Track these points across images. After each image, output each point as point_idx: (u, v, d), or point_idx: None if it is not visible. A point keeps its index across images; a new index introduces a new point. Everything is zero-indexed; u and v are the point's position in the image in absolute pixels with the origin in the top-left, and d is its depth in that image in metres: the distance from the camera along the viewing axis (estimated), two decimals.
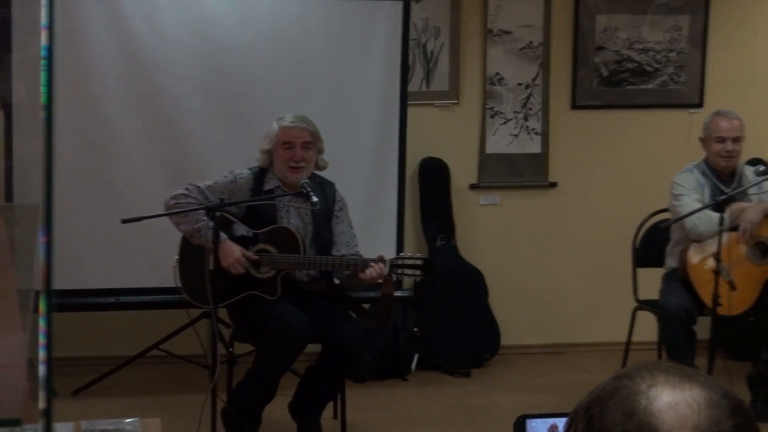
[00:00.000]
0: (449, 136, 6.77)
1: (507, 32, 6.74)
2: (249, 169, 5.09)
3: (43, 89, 1.56)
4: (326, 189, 5.15)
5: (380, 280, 4.90)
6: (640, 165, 6.95)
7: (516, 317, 6.88)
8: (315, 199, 4.83)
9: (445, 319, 6.56)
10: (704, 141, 5.76)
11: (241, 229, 4.98)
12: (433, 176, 6.74)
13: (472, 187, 6.84)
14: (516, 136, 6.81)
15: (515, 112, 6.79)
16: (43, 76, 1.56)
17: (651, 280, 5.91)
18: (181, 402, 5.68)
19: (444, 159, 6.75)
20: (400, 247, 6.01)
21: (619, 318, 6.26)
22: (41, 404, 1.54)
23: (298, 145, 4.99)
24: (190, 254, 5.05)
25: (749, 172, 5.71)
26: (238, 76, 5.92)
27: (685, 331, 5.48)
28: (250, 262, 4.92)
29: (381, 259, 4.85)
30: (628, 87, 6.93)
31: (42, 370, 1.54)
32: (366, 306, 5.41)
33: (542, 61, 6.80)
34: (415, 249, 6.26)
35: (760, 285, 5.56)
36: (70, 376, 5.95)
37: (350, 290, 5.12)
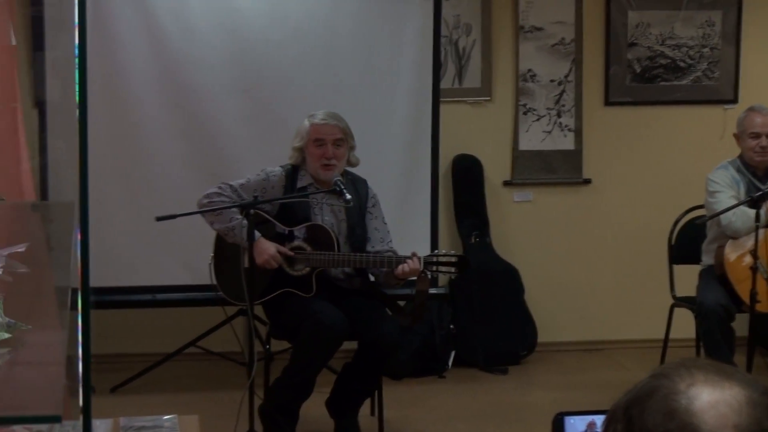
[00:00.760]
0: (482, 133, 6.75)
1: (539, 28, 6.71)
2: (281, 166, 5.09)
3: (76, 87, 1.56)
4: (359, 186, 5.14)
5: (414, 277, 4.88)
6: (675, 161, 6.90)
7: (553, 314, 6.85)
8: (348, 196, 4.82)
9: (481, 316, 6.54)
10: (738, 137, 5.71)
11: (276, 227, 4.99)
12: (467, 173, 6.72)
13: (506, 183, 6.82)
14: (549, 132, 6.78)
15: (548, 108, 6.76)
16: (75, 75, 1.56)
17: (688, 277, 5.87)
18: (219, 399, 5.69)
19: (477, 156, 6.73)
20: (434, 244, 5.99)
21: (656, 315, 6.22)
22: (80, 401, 1.54)
23: (330, 142, 4.98)
24: (225, 252, 5.06)
25: None
26: (269, 74, 5.92)
27: (723, 328, 5.43)
28: (285, 259, 4.92)
29: (415, 256, 4.84)
30: (662, 83, 6.89)
31: (80, 367, 1.54)
32: (401, 303, 5.40)
33: (575, 58, 6.76)
34: (449, 246, 6.25)
35: None
36: (108, 372, 5.98)
37: (385, 287, 5.12)
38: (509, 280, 6.69)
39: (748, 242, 5.32)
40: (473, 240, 6.68)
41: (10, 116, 4.31)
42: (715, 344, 5.41)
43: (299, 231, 4.98)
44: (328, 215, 5.06)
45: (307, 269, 4.94)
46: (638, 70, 6.85)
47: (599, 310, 6.94)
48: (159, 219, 4.81)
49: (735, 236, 5.48)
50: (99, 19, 5.65)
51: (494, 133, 6.76)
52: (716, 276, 5.56)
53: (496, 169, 6.79)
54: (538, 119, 6.76)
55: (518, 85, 6.74)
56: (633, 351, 6.77)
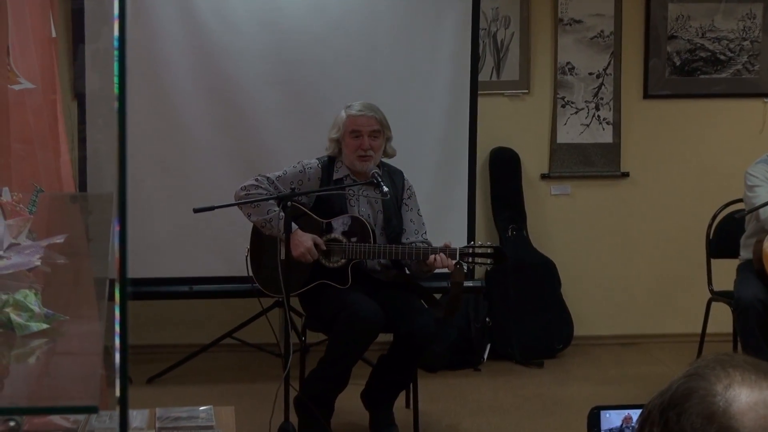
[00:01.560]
0: (520, 125, 6.73)
1: (578, 21, 6.68)
2: (317, 158, 5.10)
3: (115, 80, 1.57)
4: (395, 177, 5.14)
5: (449, 269, 4.87)
6: (714, 155, 6.86)
7: (589, 308, 6.82)
8: (386, 189, 4.82)
9: (517, 309, 6.52)
10: None
11: (312, 219, 4.99)
12: (504, 166, 6.71)
13: (544, 177, 6.80)
14: (587, 125, 6.76)
15: (586, 101, 6.74)
16: (115, 67, 1.56)
17: (726, 271, 5.83)
18: (255, 390, 5.71)
19: (515, 149, 6.71)
20: (470, 237, 5.98)
21: (693, 309, 6.19)
22: (117, 392, 1.55)
23: (366, 133, 4.99)
24: (262, 244, 5.08)
25: None
26: (307, 66, 5.93)
27: (761, 323, 5.39)
28: (321, 252, 4.93)
29: (448, 247, 4.84)
30: (701, 76, 6.84)
31: (117, 357, 1.55)
32: (437, 296, 5.40)
33: (613, 50, 6.73)
34: (485, 239, 6.23)
35: None
36: (145, 363, 6.02)
37: (419, 278, 5.11)
38: (546, 273, 6.67)
39: None
40: (510, 233, 6.67)
41: (50, 108, 4.34)
42: (753, 340, 5.38)
43: (336, 222, 4.99)
44: (364, 207, 5.06)
45: (343, 261, 4.95)
46: (678, 63, 6.81)
47: (636, 304, 6.91)
48: (197, 211, 4.83)
49: None
50: (139, 11, 5.68)
51: (532, 126, 6.75)
52: (754, 271, 5.52)
53: (533, 162, 6.77)
54: (576, 112, 6.74)
55: (556, 78, 6.72)
56: (670, 345, 6.74)
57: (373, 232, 4.96)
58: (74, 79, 6.03)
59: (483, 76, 6.46)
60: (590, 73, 6.72)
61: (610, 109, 6.75)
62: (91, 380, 1.65)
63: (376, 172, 4.92)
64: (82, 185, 5.66)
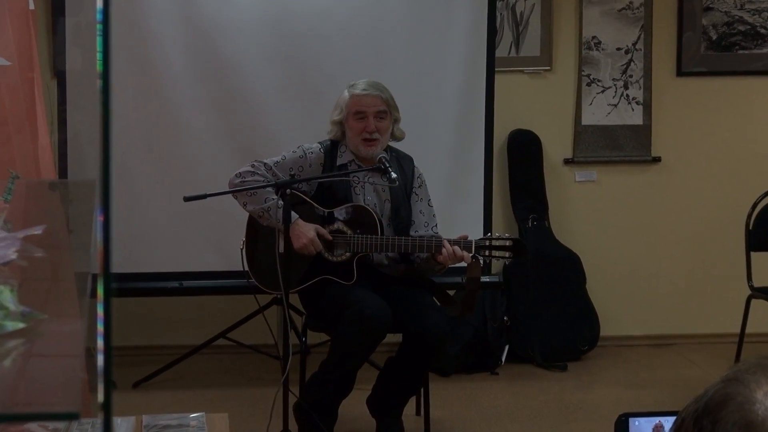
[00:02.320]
0: (541, 106, 6.73)
1: None
2: (319, 142, 5.10)
3: (99, 56, 1.57)
4: (404, 163, 5.14)
5: (465, 263, 4.87)
6: (753, 137, 6.85)
7: (617, 305, 6.83)
8: (394, 175, 4.81)
9: (538, 307, 6.53)
10: None
11: (314, 209, 4.99)
12: (524, 150, 6.71)
13: (567, 162, 6.80)
14: (615, 106, 6.75)
15: (614, 79, 6.73)
16: (98, 42, 1.56)
17: (767, 265, 5.83)
18: (251, 395, 5.72)
19: (535, 131, 6.71)
20: (487, 228, 5.98)
21: (731, 307, 6.18)
22: (100, 397, 1.55)
23: (372, 114, 4.98)
24: (259, 236, 5.08)
25: None
26: (309, 41, 5.92)
27: None
28: (324, 244, 4.93)
29: (464, 239, 4.83)
30: (740, 51, 6.83)
31: (100, 360, 1.55)
32: (450, 292, 5.40)
33: (644, 24, 6.72)
34: (503, 231, 6.22)
35: None
36: (131, 366, 6.03)
37: (428, 274, 5.11)
38: (569, 267, 6.68)
39: None
40: (530, 224, 6.67)
41: (27, 87, 4.34)
42: None
43: (339, 212, 4.99)
44: (370, 195, 5.06)
45: (348, 254, 4.95)
46: (714, 38, 6.80)
47: (668, 301, 6.91)
48: (187, 199, 4.84)
49: None
50: None
51: (554, 106, 6.74)
52: None
53: (556, 146, 6.77)
54: (602, 91, 6.73)
55: (581, 54, 6.71)
56: (705, 346, 6.74)
57: (380, 222, 4.95)
58: (54, 56, 6.04)
59: (501, 52, 6.46)
60: (618, 49, 6.72)
61: (640, 87, 6.75)
62: (71, 385, 1.65)
63: (383, 157, 4.91)
64: (63, 171, 5.67)
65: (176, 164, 5.87)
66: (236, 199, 4.97)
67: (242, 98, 5.90)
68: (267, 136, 5.86)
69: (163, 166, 5.87)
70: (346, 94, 5.05)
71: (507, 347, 6.48)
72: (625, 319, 6.87)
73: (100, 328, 1.55)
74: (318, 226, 4.92)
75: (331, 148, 5.07)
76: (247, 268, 5.11)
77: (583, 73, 6.72)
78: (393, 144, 5.14)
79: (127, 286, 5.73)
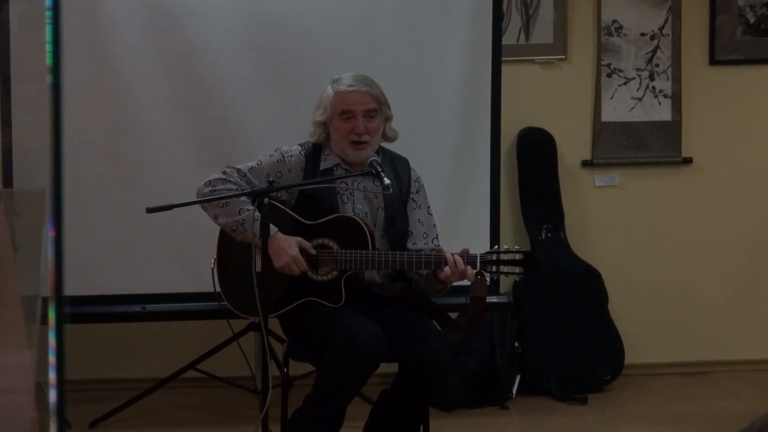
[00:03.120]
0: (555, 100, 6.74)
1: None
2: (300, 145, 5.09)
3: (48, 47, 1.58)
4: (399, 166, 5.13)
5: (469, 281, 4.87)
6: None
7: (643, 328, 6.83)
8: (388, 181, 4.80)
9: (553, 331, 6.54)
10: None
11: (295, 220, 4.99)
12: (536, 151, 6.72)
13: (585, 164, 6.81)
14: (640, 99, 6.77)
15: (638, 69, 6.75)
16: (48, 32, 1.57)
17: None
18: None
19: (549, 129, 6.73)
20: (494, 240, 5.99)
21: None
22: None
23: (360, 113, 4.97)
24: (232, 252, 5.08)
25: None
26: (290, 28, 5.92)
27: None
28: (308, 261, 4.92)
29: (467, 253, 4.83)
30: None
31: (53, 395, 1.56)
32: (453, 315, 5.40)
33: (671, 5, 6.74)
34: (513, 243, 6.24)
35: None
36: (88, 403, 6.02)
37: (429, 294, 5.10)
38: (589, 285, 6.68)
39: None
40: (544, 235, 6.68)
41: None
42: None
43: (324, 224, 4.98)
44: (360, 203, 5.06)
45: (335, 272, 4.94)
46: (752, 21, 6.82)
47: (703, 323, 6.92)
48: (150, 210, 4.82)
49: None
50: None
51: (570, 100, 6.76)
52: None
53: (572, 146, 6.78)
54: (625, 83, 6.75)
55: (600, 41, 6.73)
56: (745, 375, 6.75)
57: (372, 235, 4.95)
58: None
59: (508, 39, 6.47)
60: (643, 34, 6.73)
61: (668, 78, 6.76)
62: (19, 424, 1.65)
63: (374, 160, 4.90)
64: (7, 180, 5.67)
65: (137, 170, 5.86)
66: (205, 210, 4.95)
67: (213, 94, 5.90)
68: (241, 137, 5.86)
69: (122, 173, 5.86)
70: (329, 90, 5.04)
71: (518, 377, 6.48)
72: (653, 344, 6.87)
73: (52, 359, 1.55)
74: (301, 240, 4.91)
75: (314, 151, 5.07)
76: (219, 290, 5.11)
77: (602, 62, 6.73)
78: (385, 145, 5.14)
79: (82, 311, 5.72)
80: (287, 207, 4.99)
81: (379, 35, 6.00)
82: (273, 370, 4.82)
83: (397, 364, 4.95)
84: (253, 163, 5.01)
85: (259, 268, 4.78)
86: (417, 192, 5.15)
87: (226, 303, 5.11)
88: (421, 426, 5.18)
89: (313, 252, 4.92)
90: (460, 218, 5.97)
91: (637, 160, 6.83)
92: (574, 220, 6.78)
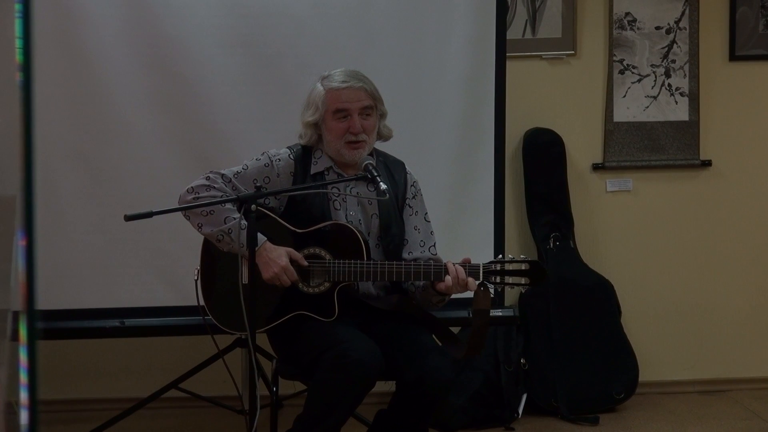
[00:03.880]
0: (564, 99, 6.75)
1: None
2: (288, 148, 5.09)
3: (18, 44, 1.58)
4: (394, 170, 5.14)
5: (471, 291, 4.86)
6: None
7: (659, 344, 6.84)
8: (384, 185, 4.79)
9: (562, 346, 6.54)
10: None
11: (284, 229, 4.99)
12: (543, 154, 6.73)
13: (596, 168, 6.82)
14: (655, 98, 6.78)
15: (653, 66, 6.76)
16: (18, 26, 1.58)
17: None
18: None
19: (557, 130, 6.73)
20: (498, 249, 5.99)
21: None
22: None
23: (356, 111, 4.97)
24: (217, 263, 5.08)
25: None
26: (277, 22, 5.92)
27: None
28: (299, 272, 4.92)
29: (469, 263, 4.83)
30: None
31: (24, 417, 1.56)
32: (454, 329, 5.40)
33: None
34: (519, 252, 6.24)
35: None
36: (62, 424, 6.02)
37: (425, 307, 5.10)
38: (600, 297, 6.69)
39: None
40: (552, 244, 6.69)
41: None
42: None
43: (315, 233, 4.98)
44: (353, 209, 5.06)
45: (327, 284, 4.94)
46: None
47: (722, 338, 6.93)
48: (129, 218, 4.82)
49: None
50: None
51: (580, 99, 6.76)
52: None
53: (582, 149, 6.79)
54: (639, 80, 6.76)
55: (612, 35, 6.74)
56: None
57: (366, 244, 4.95)
58: None
59: (514, 33, 6.48)
60: (658, 28, 6.74)
61: (685, 75, 6.77)
62: None
63: (369, 163, 4.90)
64: None
65: (114, 175, 5.85)
66: (188, 219, 4.94)
67: (195, 93, 5.90)
68: (226, 139, 5.86)
69: (98, 178, 5.85)
70: (320, 88, 5.04)
71: (525, 396, 6.49)
72: (669, 360, 6.88)
73: (24, 377, 1.55)
74: (291, 250, 4.91)
75: (303, 155, 5.06)
76: (203, 303, 5.11)
77: (614, 58, 6.74)
78: (380, 147, 5.14)
79: (56, 326, 5.71)
80: (276, 214, 4.99)
81: (374, 29, 5.99)
82: (261, 389, 4.82)
83: (394, 382, 4.96)
84: (238, 168, 5.01)
85: (246, 280, 4.76)
86: (413, 197, 5.15)
87: (210, 317, 5.11)
88: None
89: (305, 263, 4.92)
90: (461, 226, 5.97)
91: (651, 163, 6.84)
92: (585, 227, 6.79)
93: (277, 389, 5.18)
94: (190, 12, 5.86)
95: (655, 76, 6.76)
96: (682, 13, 6.75)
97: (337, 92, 4.98)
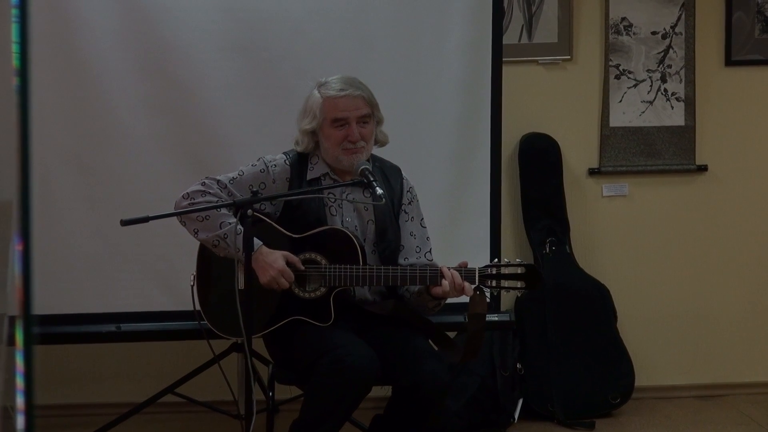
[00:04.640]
0: (560, 104, 6.74)
1: None
2: (284, 153, 5.08)
3: (15, 48, 1.58)
4: (390, 175, 5.13)
5: (466, 298, 4.86)
6: None
7: (655, 348, 6.84)
8: (380, 191, 4.79)
9: (558, 351, 6.54)
10: None
11: (280, 234, 4.98)
12: (539, 159, 6.72)
13: (592, 172, 6.82)
14: (650, 103, 6.78)
15: (649, 71, 6.75)
16: (14, 30, 1.57)
17: None
18: None
19: (553, 135, 6.73)
20: (494, 254, 5.98)
21: None
22: None
23: (354, 119, 4.97)
24: (213, 268, 5.07)
25: None
26: (273, 26, 5.92)
27: None
28: (296, 276, 4.91)
29: (465, 267, 4.82)
30: None
31: (20, 422, 1.56)
32: (450, 334, 5.39)
33: (685, 2, 6.75)
34: (515, 257, 6.25)
35: None
36: (58, 429, 6.01)
37: (423, 312, 5.10)
38: (596, 302, 6.69)
39: None
40: (548, 249, 6.68)
41: None
42: None
43: (311, 238, 4.98)
44: (349, 215, 5.05)
45: (323, 289, 4.94)
46: None
47: (719, 343, 6.92)
48: (125, 223, 4.81)
49: None
50: None
51: (576, 104, 6.76)
52: None
53: (578, 154, 6.79)
54: (635, 85, 6.75)
55: (608, 40, 6.74)
56: (764, 399, 6.76)
57: (362, 249, 4.94)
58: None
59: (510, 38, 6.48)
60: (654, 33, 6.75)
61: (681, 80, 6.77)
62: None
63: (366, 169, 4.89)
64: None
65: (111, 180, 5.85)
66: (184, 225, 4.94)
67: (191, 98, 5.89)
68: (222, 144, 5.85)
69: (94, 183, 5.84)
70: (317, 95, 5.03)
71: (521, 401, 6.48)
72: (665, 365, 6.88)
73: (20, 382, 1.55)
74: (288, 254, 4.90)
75: (299, 160, 5.06)
76: (199, 308, 5.10)
77: (610, 63, 6.74)
78: (376, 152, 5.13)
79: (53, 331, 5.70)
80: (272, 220, 4.98)
81: (371, 34, 5.99)
82: (257, 394, 4.81)
83: (390, 387, 4.95)
84: (234, 174, 5.00)
85: (242, 285, 4.76)
86: (409, 203, 5.15)
87: (206, 322, 5.10)
88: None
89: (302, 267, 4.91)
90: (457, 231, 5.96)
91: (647, 168, 6.84)
92: (581, 232, 6.79)
93: (273, 394, 5.17)
94: (187, 16, 5.85)
95: (651, 81, 6.76)
96: (678, 19, 6.75)
97: (335, 100, 4.97)
